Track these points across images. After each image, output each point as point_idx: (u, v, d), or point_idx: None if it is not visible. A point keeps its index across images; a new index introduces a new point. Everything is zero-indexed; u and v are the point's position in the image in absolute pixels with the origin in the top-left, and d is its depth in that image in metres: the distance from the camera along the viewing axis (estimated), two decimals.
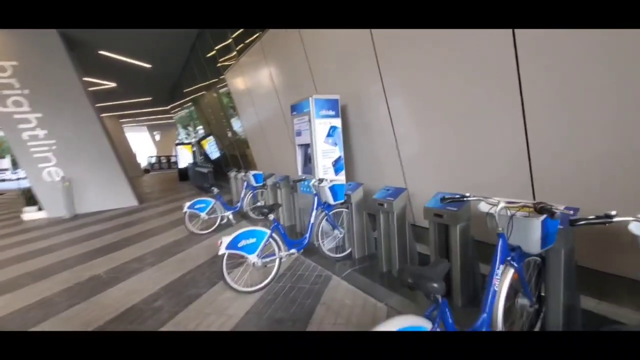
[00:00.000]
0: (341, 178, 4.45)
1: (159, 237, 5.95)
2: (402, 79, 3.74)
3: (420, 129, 3.75)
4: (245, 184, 6.41)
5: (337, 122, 4.42)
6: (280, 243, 3.54)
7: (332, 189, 3.80)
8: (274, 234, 3.46)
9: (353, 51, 4.27)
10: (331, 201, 3.81)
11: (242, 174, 6.41)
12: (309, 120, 4.26)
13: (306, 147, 4.63)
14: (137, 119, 28.35)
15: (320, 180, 3.85)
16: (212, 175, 11.66)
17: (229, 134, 12.79)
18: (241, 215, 6.62)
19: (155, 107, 23.37)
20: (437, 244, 2.83)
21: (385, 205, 3.25)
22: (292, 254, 3.76)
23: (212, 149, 15.38)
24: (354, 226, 3.82)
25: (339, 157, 4.45)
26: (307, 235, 3.93)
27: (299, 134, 4.60)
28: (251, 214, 6.47)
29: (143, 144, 35.43)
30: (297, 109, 4.55)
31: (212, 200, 5.90)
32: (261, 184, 6.31)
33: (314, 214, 3.94)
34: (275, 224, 3.53)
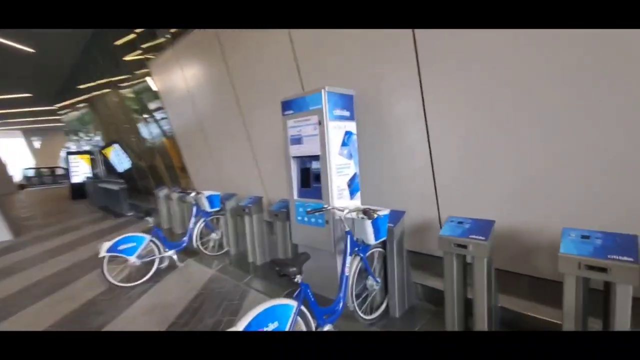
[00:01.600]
0: (357, 202, 3.23)
1: (53, 298, 3.81)
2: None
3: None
4: (194, 208, 4.66)
5: (353, 126, 3.21)
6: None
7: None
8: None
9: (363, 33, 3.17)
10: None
11: (192, 194, 4.65)
12: (320, 123, 2.96)
13: (309, 160, 3.29)
14: (8, 120, 22.33)
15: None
16: (126, 194, 9.13)
17: (138, 140, 10.29)
18: (188, 253, 4.81)
19: (36, 107, 18.56)
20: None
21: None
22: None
23: (120, 159, 12.42)
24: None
25: (355, 175, 3.23)
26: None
27: (297, 141, 3.24)
28: (204, 251, 4.75)
29: (16, 153, 28.24)
30: (294, 106, 3.20)
31: (146, 237, 4.06)
32: (217, 209, 4.67)
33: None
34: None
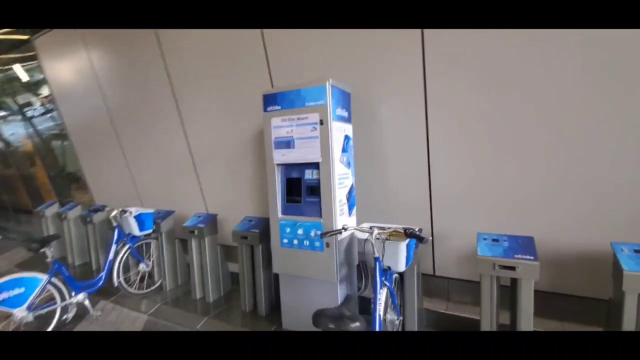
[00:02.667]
0: (352, 220, 2.73)
1: None
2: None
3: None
4: (116, 232, 3.45)
5: (350, 129, 2.73)
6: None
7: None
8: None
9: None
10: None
11: (113, 212, 3.43)
12: (322, 123, 2.39)
13: (298, 168, 2.64)
14: None
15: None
16: None
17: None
18: (104, 293, 3.51)
19: None
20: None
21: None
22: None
23: None
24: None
25: (352, 187, 2.73)
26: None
27: (285, 144, 2.57)
28: (128, 288, 3.54)
29: None
30: (283, 101, 2.54)
31: (42, 277, 2.80)
32: (149, 231, 3.57)
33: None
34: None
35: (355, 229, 2.26)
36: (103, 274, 3.32)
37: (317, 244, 2.52)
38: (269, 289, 3.12)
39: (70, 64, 4.99)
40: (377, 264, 2.02)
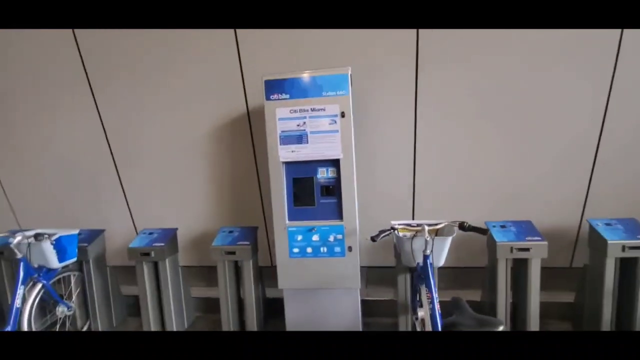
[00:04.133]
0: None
1: None
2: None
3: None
4: (21, 267, 2.35)
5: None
6: None
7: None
8: None
9: None
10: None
11: (17, 238, 2.32)
12: (343, 115, 2.16)
13: (307, 166, 2.31)
14: None
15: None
16: None
17: None
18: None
19: None
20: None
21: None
22: None
23: None
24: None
25: None
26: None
27: (295, 139, 2.21)
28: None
29: None
30: (293, 88, 2.17)
31: None
32: (72, 261, 2.60)
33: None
34: None
35: (403, 226, 2.06)
36: (9, 327, 2.23)
37: (337, 249, 2.27)
38: (259, 310, 2.68)
39: None
40: (428, 261, 1.94)
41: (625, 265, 2.24)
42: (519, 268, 2.38)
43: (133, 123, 3.05)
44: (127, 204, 3.30)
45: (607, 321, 2.26)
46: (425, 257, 1.94)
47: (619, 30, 2.28)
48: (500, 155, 2.71)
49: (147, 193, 3.24)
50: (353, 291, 2.35)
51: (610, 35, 2.31)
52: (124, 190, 3.25)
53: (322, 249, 2.29)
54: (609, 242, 2.17)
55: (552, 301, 2.59)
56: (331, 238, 2.27)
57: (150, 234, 2.76)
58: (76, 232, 2.62)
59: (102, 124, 3.09)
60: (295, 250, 2.32)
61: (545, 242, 2.22)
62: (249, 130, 2.88)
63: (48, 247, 2.38)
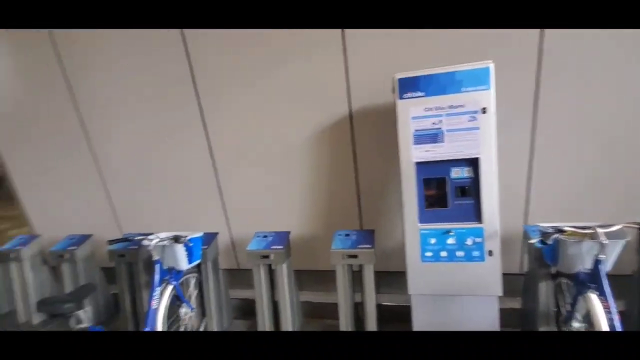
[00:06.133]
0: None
1: None
2: None
3: None
4: (157, 268, 2.46)
5: None
6: None
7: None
8: None
9: None
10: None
11: (153, 241, 2.43)
12: (485, 111, 2.05)
13: (442, 167, 2.21)
14: None
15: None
16: None
17: None
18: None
19: None
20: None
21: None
22: None
23: None
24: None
25: None
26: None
27: (430, 138, 2.14)
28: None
29: None
30: (428, 86, 2.10)
31: None
32: (197, 262, 2.69)
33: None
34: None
35: (572, 229, 1.84)
36: (148, 327, 2.33)
37: (475, 253, 2.14)
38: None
39: None
40: (600, 267, 1.75)
41: None
42: None
43: (234, 127, 3.12)
44: (224, 209, 3.38)
45: None
46: (597, 262, 1.76)
47: None
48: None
49: (244, 199, 3.30)
50: (491, 299, 2.21)
51: None
52: (221, 196, 3.33)
53: (457, 253, 2.17)
54: None
55: None
56: (469, 241, 2.14)
57: (265, 237, 2.78)
58: (201, 234, 2.70)
59: (206, 127, 3.18)
60: (428, 254, 2.22)
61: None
62: (349, 132, 2.83)
63: (180, 249, 2.47)
